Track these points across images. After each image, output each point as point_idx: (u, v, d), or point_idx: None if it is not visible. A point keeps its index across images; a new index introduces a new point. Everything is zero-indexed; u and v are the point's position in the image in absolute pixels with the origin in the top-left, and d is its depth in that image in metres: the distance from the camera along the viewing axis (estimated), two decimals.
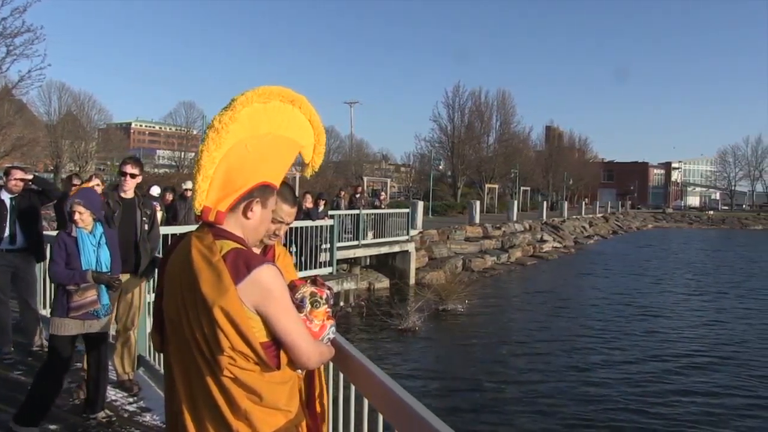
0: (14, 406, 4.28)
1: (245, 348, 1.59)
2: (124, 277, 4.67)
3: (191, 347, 1.63)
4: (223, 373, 1.59)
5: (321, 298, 1.86)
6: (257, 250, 1.91)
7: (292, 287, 1.84)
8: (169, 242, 7.19)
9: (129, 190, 4.72)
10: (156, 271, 4.83)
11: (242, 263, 1.60)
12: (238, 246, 1.65)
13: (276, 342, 1.65)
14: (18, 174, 5.52)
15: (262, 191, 1.73)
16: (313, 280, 1.92)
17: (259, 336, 1.61)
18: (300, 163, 2.01)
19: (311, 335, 1.78)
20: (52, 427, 3.98)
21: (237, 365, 1.59)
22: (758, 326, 14.43)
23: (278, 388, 1.67)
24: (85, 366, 4.57)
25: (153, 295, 5.02)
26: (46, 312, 6.37)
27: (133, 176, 4.69)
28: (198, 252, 1.63)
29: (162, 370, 4.74)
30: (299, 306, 1.80)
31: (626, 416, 8.44)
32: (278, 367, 1.65)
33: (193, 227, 1.81)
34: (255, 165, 1.72)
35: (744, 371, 10.61)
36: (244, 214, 1.71)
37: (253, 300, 1.59)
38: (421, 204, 22.86)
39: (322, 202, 13.24)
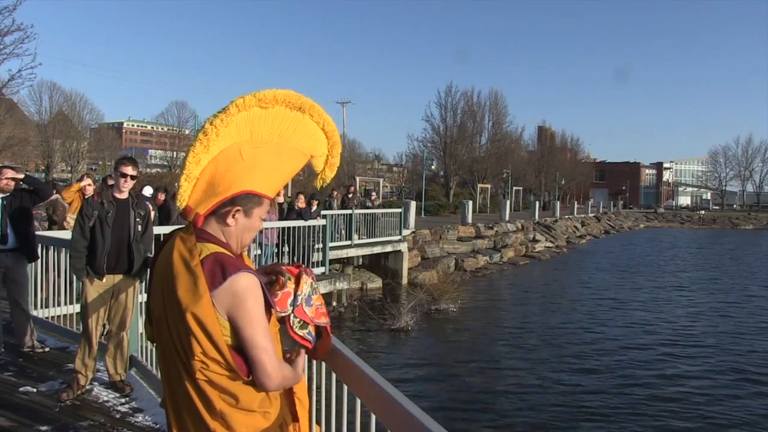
0: (4, 407, 4.26)
1: (217, 355, 1.57)
2: (117, 278, 4.67)
3: (171, 348, 1.63)
4: (197, 376, 1.58)
5: (315, 282, 1.91)
6: None
7: (286, 277, 1.86)
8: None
9: (126, 191, 4.70)
10: (149, 271, 4.87)
11: (219, 269, 1.57)
12: (219, 250, 1.63)
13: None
14: (9, 173, 5.48)
15: (247, 200, 1.68)
16: (297, 266, 1.95)
17: (230, 341, 1.60)
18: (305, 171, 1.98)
19: (309, 321, 1.83)
20: (43, 428, 3.97)
21: (210, 370, 1.59)
22: (736, 320, 14.59)
23: (254, 389, 1.66)
24: (76, 366, 4.58)
25: (145, 295, 5.04)
26: (37, 313, 6.35)
27: (133, 177, 4.68)
28: (179, 254, 1.61)
29: (154, 371, 4.76)
30: (307, 300, 1.85)
31: (618, 413, 8.49)
32: (247, 376, 1.63)
33: (177, 228, 1.80)
34: (244, 172, 1.66)
35: (723, 361, 10.73)
36: (224, 220, 1.67)
37: (225, 307, 1.57)
38: (413, 204, 22.86)
39: (314, 202, 13.23)
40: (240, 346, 1.61)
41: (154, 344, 1.84)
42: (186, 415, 1.64)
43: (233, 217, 1.67)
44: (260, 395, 1.68)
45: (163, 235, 8.17)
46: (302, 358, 1.85)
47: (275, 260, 11.57)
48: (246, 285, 1.58)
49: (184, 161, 1.63)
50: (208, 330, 1.55)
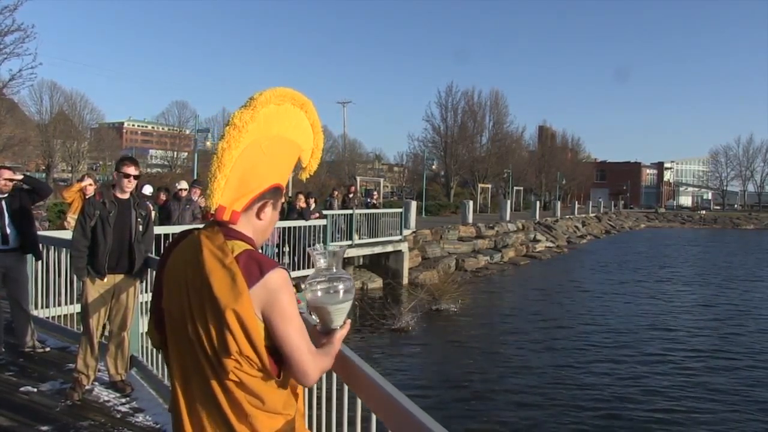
0: (5, 407, 4.27)
1: (252, 353, 1.57)
2: (118, 278, 4.67)
3: (194, 348, 1.60)
4: (228, 377, 1.57)
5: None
6: None
7: None
8: (162, 242, 7.10)
9: (128, 191, 4.71)
10: (150, 270, 4.88)
11: (255, 266, 1.58)
12: (250, 247, 1.64)
13: (276, 349, 1.63)
14: (6, 174, 5.49)
15: (274, 193, 1.73)
16: None
17: (264, 341, 1.59)
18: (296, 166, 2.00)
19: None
20: (44, 428, 3.97)
21: (242, 370, 1.58)
22: (732, 313, 14.60)
23: (279, 392, 1.66)
24: (78, 366, 4.58)
25: (148, 295, 5.03)
26: (37, 313, 6.36)
27: (136, 177, 4.69)
28: (210, 252, 1.60)
29: (155, 371, 4.76)
30: None
31: (619, 415, 8.49)
32: (278, 376, 1.64)
33: (186, 227, 1.78)
34: (268, 166, 1.71)
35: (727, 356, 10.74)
36: (258, 215, 1.70)
37: (261, 304, 1.57)
38: (414, 204, 22.85)
39: (312, 200, 13.26)
40: (272, 346, 1.61)
41: (161, 349, 1.80)
42: (205, 418, 1.62)
43: (264, 211, 1.71)
44: (284, 397, 1.68)
45: (164, 235, 8.20)
46: (338, 341, 1.80)
47: (276, 260, 11.58)
48: (281, 280, 1.59)
49: (220, 159, 1.62)
50: (247, 327, 1.54)
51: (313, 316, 1.79)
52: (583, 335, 13.15)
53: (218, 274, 1.56)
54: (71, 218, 8.24)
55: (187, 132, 54.25)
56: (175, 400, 1.68)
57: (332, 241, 14.08)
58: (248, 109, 1.66)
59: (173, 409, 1.71)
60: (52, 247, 6.28)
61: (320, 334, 1.80)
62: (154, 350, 4.94)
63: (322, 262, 1.78)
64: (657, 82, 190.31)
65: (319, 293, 1.74)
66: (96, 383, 4.80)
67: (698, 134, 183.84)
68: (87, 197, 7.29)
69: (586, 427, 8.10)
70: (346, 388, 2.12)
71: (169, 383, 1.75)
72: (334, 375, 2.22)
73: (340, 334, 1.80)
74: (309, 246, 12.33)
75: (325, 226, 13.25)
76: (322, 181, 39.31)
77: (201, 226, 1.75)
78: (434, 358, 11.53)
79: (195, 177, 21.30)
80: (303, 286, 1.85)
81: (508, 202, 35.71)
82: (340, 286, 1.76)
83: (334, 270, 1.78)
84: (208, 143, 26.22)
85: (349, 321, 1.84)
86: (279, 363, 1.65)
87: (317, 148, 1.97)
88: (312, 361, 1.65)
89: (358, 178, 34.50)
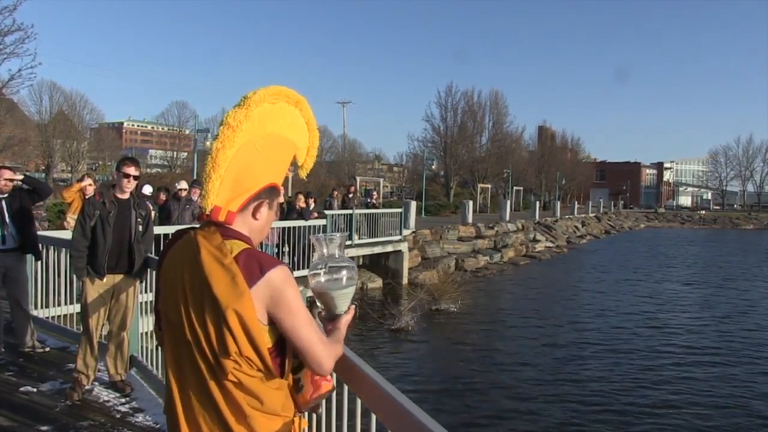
0: (5, 407, 4.27)
1: (252, 354, 1.56)
2: (118, 278, 4.67)
3: (192, 349, 1.59)
4: (227, 378, 1.57)
5: None
6: None
7: None
8: (162, 242, 7.08)
9: (128, 192, 4.71)
10: (149, 271, 4.88)
11: (255, 265, 1.57)
12: (249, 246, 1.63)
13: (280, 349, 1.63)
14: (6, 174, 5.49)
15: (270, 193, 1.72)
16: None
17: (267, 341, 1.59)
18: (293, 164, 1.99)
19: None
20: (44, 428, 3.97)
21: (242, 370, 1.57)
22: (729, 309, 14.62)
23: (277, 393, 1.66)
24: (78, 366, 4.58)
25: (148, 295, 5.02)
26: (37, 313, 6.35)
27: (135, 178, 4.69)
28: (208, 253, 1.59)
29: (155, 371, 4.76)
30: None
31: (619, 415, 8.49)
32: (281, 376, 1.64)
33: (183, 227, 1.77)
34: (263, 166, 1.70)
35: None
36: (254, 215, 1.69)
37: (265, 302, 1.56)
38: (413, 204, 22.84)
39: (311, 200, 13.27)
40: (274, 347, 1.61)
41: (162, 348, 1.80)
42: (204, 421, 1.61)
43: (260, 211, 1.70)
44: (282, 399, 1.68)
45: (164, 235, 8.19)
46: (344, 326, 1.82)
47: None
48: (284, 276, 1.58)
49: (215, 160, 1.61)
50: (249, 328, 1.54)
51: (318, 303, 1.80)
52: (582, 334, 13.16)
53: (218, 274, 1.55)
54: (71, 218, 8.23)
55: (187, 132, 54.34)
56: (171, 401, 1.67)
57: None
58: (242, 108, 1.65)
59: (168, 411, 1.70)
60: (52, 247, 6.27)
61: (326, 321, 1.81)
62: (154, 350, 4.94)
63: (324, 249, 1.79)
64: (657, 82, 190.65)
65: (323, 279, 1.75)
66: (96, 383, 4.79)
67: (698, 134, 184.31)
68: (87, 197, 7.29)
69: (586, 425, 8.11)
70: (345, 388, 2.12)
71: None
72: (334, 375, 2.21)
73: (346, 320, 1.82)
74: (312, 235, 12.39)
75: (324, 226, 13.24)
76: (322, 181, 39.34)
77: (197, 225, 1.73)
78: (434, 358, 11.53)
79: (195, 177, 21.31)
80: (301, 289, 1.85)
81: (508, 202, 35.67)
82: (344, 272, 1.77)
83: (337, 256, 1.79)
84: (208, 143, 26.20)
85: (353, 306, 1.85)
86: (282, 365, 1.65)
87: (313, 146, 1.97)
88: (325, 350, 1.65)
89: (358, 178, 34.52)
